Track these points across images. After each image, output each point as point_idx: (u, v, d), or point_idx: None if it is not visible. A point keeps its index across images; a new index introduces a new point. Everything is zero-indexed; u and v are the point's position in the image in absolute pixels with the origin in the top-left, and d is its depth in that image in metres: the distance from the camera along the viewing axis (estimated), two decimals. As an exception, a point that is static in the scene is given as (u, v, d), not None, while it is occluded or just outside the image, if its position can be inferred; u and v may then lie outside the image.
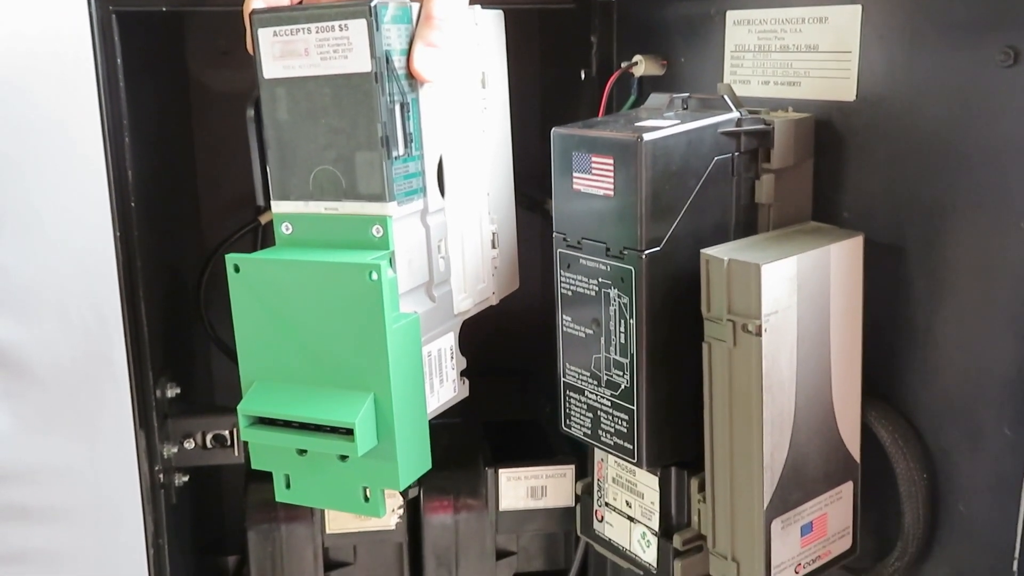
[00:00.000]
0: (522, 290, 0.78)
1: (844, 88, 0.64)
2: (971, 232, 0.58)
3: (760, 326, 0.57)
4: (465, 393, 0.72)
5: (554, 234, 0.66)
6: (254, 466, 0.66)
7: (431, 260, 0.66)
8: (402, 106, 0.61)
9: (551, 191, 0.66)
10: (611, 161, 0.61)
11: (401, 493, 0.90)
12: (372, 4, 0.59)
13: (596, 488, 0.78)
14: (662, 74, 0.77)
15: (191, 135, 1.06)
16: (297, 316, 0.62)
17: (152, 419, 0.82)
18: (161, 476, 0.84)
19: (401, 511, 0.93)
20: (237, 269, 0.63)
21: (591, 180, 0.62)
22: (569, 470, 0.92)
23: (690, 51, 0.75)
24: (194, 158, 1.07)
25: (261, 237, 0.99)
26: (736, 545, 0.63)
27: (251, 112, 0.64)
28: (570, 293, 0.66)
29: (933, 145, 0.59)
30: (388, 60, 0.60)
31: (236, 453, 0.88)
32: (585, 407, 0.68)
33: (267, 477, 0.67)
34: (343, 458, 0.63)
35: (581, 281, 0.65)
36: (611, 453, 0.67)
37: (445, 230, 0.67)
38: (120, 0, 0.73)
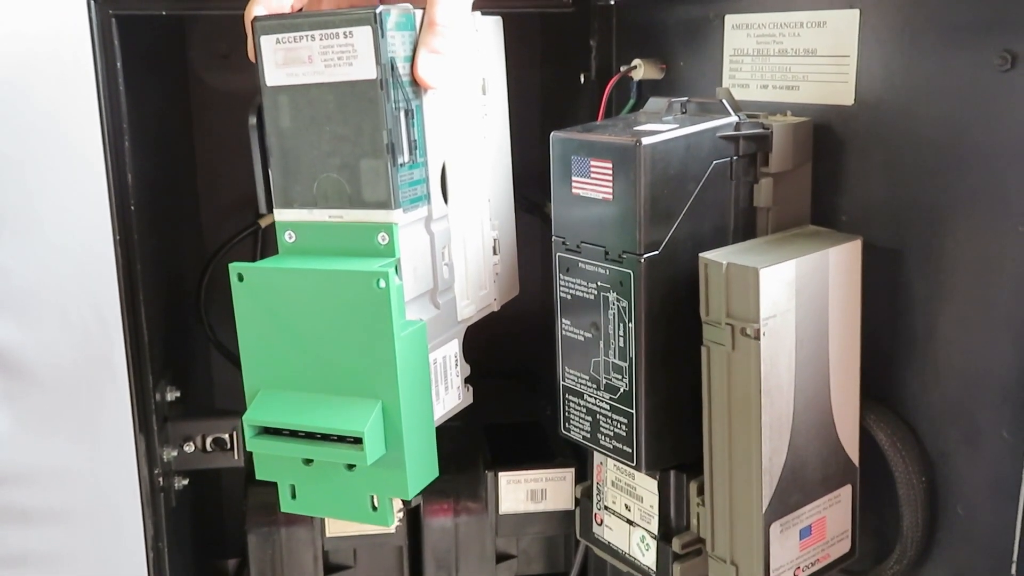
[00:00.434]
0: (522, 292, 0.78)
1: (842, 92, 0.64)
2: (969, 235, 0.58)
3: (759, 330, 0.58)
4: (469, 400, 0.72)
5: (553, 238, 0.66)
6: (259, 476, 0.66)
7: (435, 267, 0.66)
8: (407, 113, 0.61)
9: (550, 194, 0.66)
10: (610, 165, 0.61)
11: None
12: (376, 11, 0.58)
13: (595, 491, 0.78)
14: (661, 78, 0.77)
15: (191, 138, 1.06)
16: (302, 325, 0.62)
17: (152, 422, 0.82)
18: (161, 479, 0.84)
19: (401, 514, 0.93)
20: (241, 278, 0.62)
21: (590, 184, 0.62)
22: (569, 473, 0.92)
23: (689, 55, 0.75)
24: (194, 161, 1.07)
25: (261, 240, 0.99)
26: (735, 548, 0.63)
27: (253, 119, 0.64)
28: (569, 297, 0.66)
29: (931, 149, 0.59)
30: (393, 67, 0.60)
31: (236, 456, 0.88)
32: (584, 411, 0.68)
33: (269, 481, 0.67)
34: (350, 467, 0.63)
35: (580, 285, 0.65)
36: (610, 457, 0.67)
37: (449, 237, 0.67)
38: (120, 3, 0.74)
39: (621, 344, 0.63)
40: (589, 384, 0.67)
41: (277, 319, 0.62)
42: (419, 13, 0.62)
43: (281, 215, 0.64)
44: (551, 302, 0.68)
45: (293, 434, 0.63)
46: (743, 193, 0.65)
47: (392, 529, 0.93)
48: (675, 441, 0.66)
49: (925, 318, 0.61)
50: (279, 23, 0.61)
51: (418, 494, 0.65)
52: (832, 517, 0.65)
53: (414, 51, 0.61)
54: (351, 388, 0.61)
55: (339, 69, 0.60)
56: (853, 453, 0.65)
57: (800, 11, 0.66)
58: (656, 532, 0.71)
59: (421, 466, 0.64)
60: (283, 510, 0.66)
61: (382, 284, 0.59)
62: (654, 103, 0.68)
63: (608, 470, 0.76)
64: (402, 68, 0.61)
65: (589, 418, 0.68)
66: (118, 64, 0.75)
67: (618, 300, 0.63)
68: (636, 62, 0.77)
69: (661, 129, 0.61)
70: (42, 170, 0.75)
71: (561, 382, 0.69)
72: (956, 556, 0.62)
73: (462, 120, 0.69)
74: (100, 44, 0.73)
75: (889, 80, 0.61)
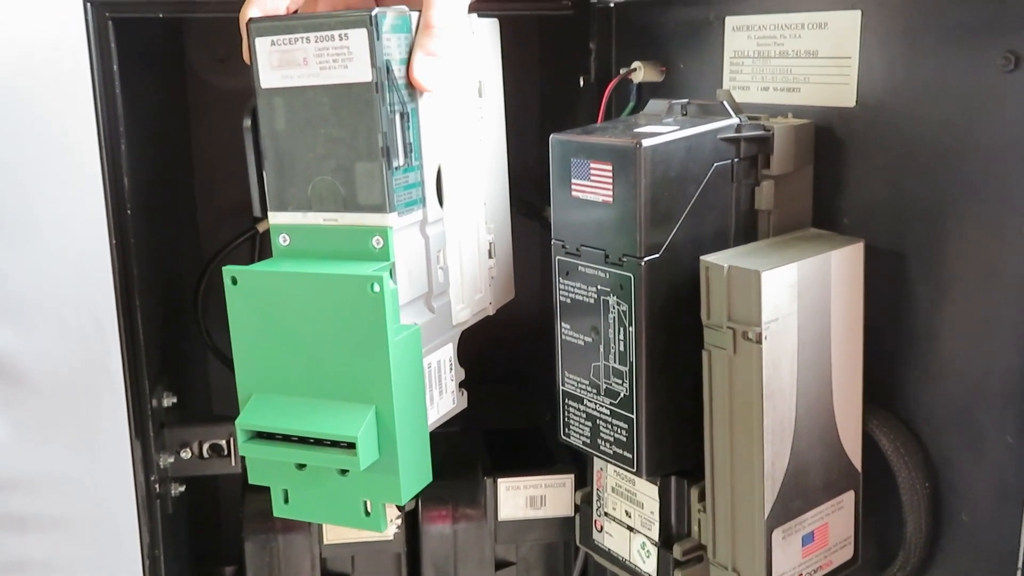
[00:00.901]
0: (521, 297, 0.78)
1: (844, 94, 0.63)
2: (972, 238, 0.58)
3: (760, 333, 0.57)
4: (464, 404, 0.72)
5: (553, 241, 0.66)
6: (252, 481, 0.65)
7: (430, 271, 0.66)
8: (402, 116, 0.61)
9: (550, 198, 0.65)
10: (610, 167, 0.60)
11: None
12: (372, 13, 0.58)
13: (596, 498, 0.77)
14: (661, 80, 0.77)
15: (188, 142, 1.06)
16: (296, 328, 0.61)
17: (148, 429, 0.82)
18: (157, 486, 0.83)
19: (399, 521, 0.92)
20: (235, 281, 0.62)
21: (590, 187, 0.62)
22: (568, 479, 0.92)
23: (689, 57, 0.75)
24: (191, 165, 1.06)
25: (259, 245, 0.99)
26: (737, 555, 0.63)
27: (248, 122, 0.64)
28: (569, 301, 0.66)
29: (933, 151, 0.59)
30: (388, 70, 0.59)
31: (233, 463, 0.87)
32: (584, 416, 0.67)
33: (265, 487, 0.66)
34: (343, 472, 0.62)
35: (580, 288, 0.65)
36: (610, 462, 0.67)
37: (444, 240, 0.67)
38: (117, 7, 0.73)
39: (621, 348, 0.63)
40: (589, 389, 0.66)
41: (271, 322, 0.62)
42: (415, 15, 0.62)
43: (275, 218, 0.64)
44: (550, 306, 0.68)
45: (286, 438, 0.63)
46: (744, 195, 0.64)
47: (390, 536, 0.92)
48: (676, 446, 0.65)
49: (928, 321, 0.61)
50: (274, 25, 0.60)
51: (412, 499, 0.64)
52: (835, 523, 0.64)
53: (410, 54, 0.61)
54: (345, 392, 0.61)
55: (334, 71, 0.60)
56: (856, 458, 0.64)
57: (801, 12, 0.65)
58: (657, 539, 0.71)
59: (415, 471, 0.64)
60: (276, 515, 0.66)
61: (376, 288, 0.59)
62: (654, 105, 0.68)
63: (608, 476, 0.75)
64: (398, 71, 0.60)
65: (589, 423, 0.67)
66: (115, 67, 0.74)
67: (618, 304, 0.62)
68: (636, 64, 0.77)
69: (661, 131, 0.61)
70: (38, 174, 0.74)
71: (561, 387, 0.69)
72: (960, 563, 0.61)
73: (458, 123, 0.68)
74: (97, 47, 0.72)
75: (891, 82, 0.61)
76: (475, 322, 0.73)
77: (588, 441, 0.68)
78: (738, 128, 0.63)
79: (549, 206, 0.66)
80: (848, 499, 0.65)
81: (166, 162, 0.97)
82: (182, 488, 0.89)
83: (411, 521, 0.94)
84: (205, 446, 0.88)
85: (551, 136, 0.64)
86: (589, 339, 0.65)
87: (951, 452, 0.61)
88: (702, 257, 0.60)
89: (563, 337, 0.67)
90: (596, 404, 0.66)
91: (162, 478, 0.85)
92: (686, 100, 0.66)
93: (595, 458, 0.72)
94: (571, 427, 0.69)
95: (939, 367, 0.61)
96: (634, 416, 0.64)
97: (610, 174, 0.60)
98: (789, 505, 0.61)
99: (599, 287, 0.63)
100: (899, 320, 0.62)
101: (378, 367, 0.60)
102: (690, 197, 0.62)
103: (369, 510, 0.64)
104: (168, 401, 0.86)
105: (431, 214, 0.65)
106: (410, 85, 0.61)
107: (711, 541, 0.64)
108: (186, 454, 0.87)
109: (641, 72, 0.77)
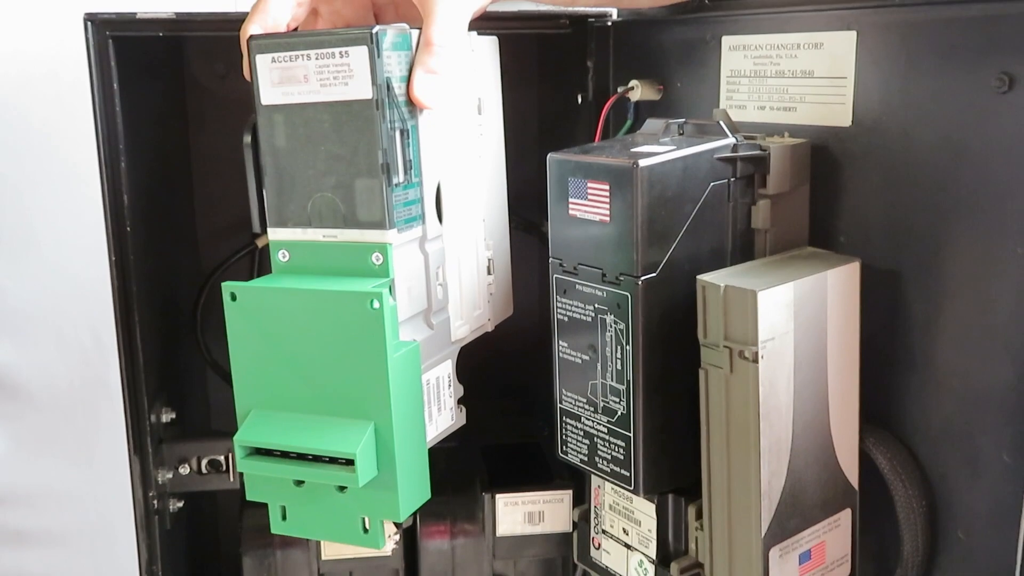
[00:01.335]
0: (520, 312, 0.78)
1: (840, 114, 0.64)
2: (968, 257, 0.58)
3: (757, 352, 0.57)
4: (462, 421, 0.72)
5: (550, 259, 0.66)
6: (249, 497, 0.65)
7: (430, 287, 0.66)
8: (402, 133, 0.61)
9: (548, 216, 0.66)
10: (607, 187, 0.61)
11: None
12: (373, 31, 0.58)
13: (593, 515, 0.77)
14: (658, 99, 0.77)
15: (188, 158, 1.06)
16: (295, 345, 0.61)
17: (147, 444, 0.82)
18: (156, 502, 0.83)
19: (397, 537, 0.92)
20: (234, 297, 0.62)
21: (587, 206, 0.62)
22: (567, 495, 0.92)
23: (686, 76, 0.75)
24: (191, 181, 1.07)
25: (258, 260, 0.99)
26: (734, 573, 0.63)
27: (248, 138, 0.64)
28: (566, 319, 0.66)
29: (929, 171, 0.59)
30: (389, 87, 0.60)
31: (231, 479, 0.87)
32: (582, 433, 0.68)
33: (263, 503, 0.66)
34: (341, 489, 0.62)
35: (577, 307, 0.65)
36: (608, 480, 0.67)
37: (443, 257, 0.67)
38: (117, 25, 0.74)
39: (619, 367, 0.63)
40: (586, 407, 0.66)
41: (270, 339, 0.62)
42: (415, 33, 0.62)
43: (275, 234, 0.64)
44: (548, 321, 0.68)
45: (284, 455, 0.63)
46: (741, 215, 0.65)
47: (388, 552, 0.92)
48: (673, 464, 0.65)
49: (924, 340, 0.61)
50: (275, 42, 0.61)
51: (410, 516, 0.64)
52: (832, 541, 0.64)
53: (410, 71, 0.61)
54: (343, 409, 0.61)
55: (335, 88, 0.60)
56: (852, 476, 0.64)
57: (797, 33, 0.66)
58: (654, 556, 0.71)
59: (413, 488, 0.64)
60: (273, 531, 0.66)
61: (376, 305, 0.59)
62: (651, 124, 0.68)
63: (606, 493, 0.75)
64: (398, 88, 0.61)
65: (587, 441, 0.67)
66: (115, 85, 0.74)
67: (615, 322, 0.62)
68: (633, 83, 0.77)
69: (658, 151, 0.61)
70: (39, 191, 0.75)
71: (558, 404, 0.69)
72: (957, 581, 0.62)
73: (457, 140, 0.69)
74: (97, 65, 0.73)
75: (886, 101, 0.61)
76: (473, 338, 0.73)
77: (586, 459, 0.68)
78: (734, 148, 0.63)
79: (546, 221, 0.66)
80: (845, 517, 0.65)
81: (165, 178, 0.97)
82: (180, 504, 0.89)
83: (409, 537, 0.94)
84: (204, 462, 0.88)
85: (549, 155, 0.65)
86: (586, 357, 0.65)
87: (948, 470, 0.61)
88: (699, 276, 0.60)
89: (560, 355, 0.67)
90: (593, 422, 0.66)
91: (160, 494, 0.85)
92: (683, 119, 0.67)
93: (593, 476, 0.72)
94: (569, 444, 0.69)
95: (935, 385, 0.61)
96: (631, 434, 0.64)
97: (607, 193, 0.61)
98: (786, 523, 0.61)
99: (596, 305, 0.64)
100: (895, 338, 0.63)
101: (377, 384, 0.60)
102: (687, 216, 0.62)
103: (367, 527, 0.64)
104: (167, 417, 0.86)
105: (430, 231, 0.65)
106: (410, 102, 0.62)
107: (708, 559, 0.64)
108: (184, 470, 0.87)
109: (638, 91, 0.77)
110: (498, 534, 0.93)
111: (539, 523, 0.92)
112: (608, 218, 0.61)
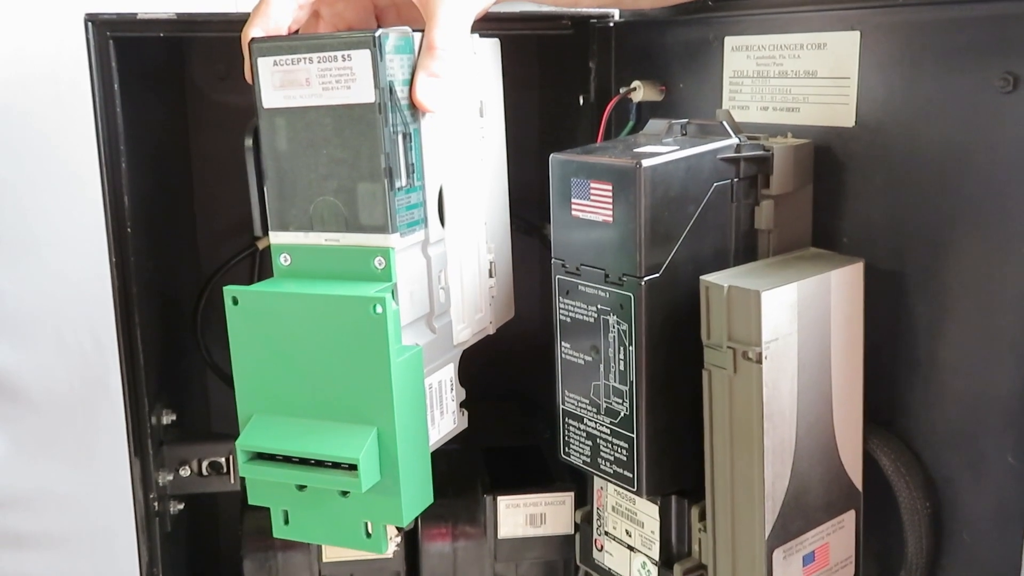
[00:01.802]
0: (521, 314, 0.78)
1: (843, 114, 0.63)
2: (972, 258, 0.58)
3: (760, 353, 0.57)
4: (464, 424, 0.71)
5: (553, 260, 0.66)
6: (251, 502, 0.65)
7: (432, 291, 0.66)
8: (405, 136, 0.61)
9: (549, 216, 0.66)
10: (610, 187, 0.60)
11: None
12: (375, 34, 0.58)
13: (596, 517, 0.77)
14: (661, 100, 0.77)
15: (188, 160, 1.06)
16: (297, 349, 0.61)
17: (147, 446, 0.82)
18: (156, 504, 0.83)
19: (398, 539, 0.92)
20: (236, 301, 0.62)
21: (590, 206, 0.62)
22: (568, 497, 0.91)
23: (689, 77, 0.75)
24: (191, 183, 1.06)
25: (259, 262, 0.99)
26: (737, 575, 0.62)
27: (249, 141, 0.64)
28: (569, 320, 0.66)
29: (933, 171, 0.59)
30: (391, 90, 0.59)
31: (232, 481, 0.87)
32: (584, 435, 0.67)
33: (264, 506, 0.66)
34: (344, 493, 0.62)
35: (580, 308, 0.65)
36: (611, 481, 0.66)
37: (445, 260, 0.67)
38: (118, 26, 0.73)
39: (621, 368, 0.63)
40: (589, 408, 0.66)
41: (272, 343, 0.62)
42: (417, 36, 0.62)
43: (276, 238, 0.64)
44: (549, 323, 0.68)
45: (287, 459, 0.62)
46: (744, 215, 0.64)
47: (390, 554, 0.92)
48: (676, 466, 0.65)
49: (928, 341, 0.61)
50: (277, 45, 0.60)
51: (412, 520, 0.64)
52: (835, 543, 0.64)
53: (412, 74, 0.61)
54: (346, 413, 0.61)
55: (337, 92, 0.60)
56: (856, 478, 0.64)
57: (800, 33, 0.66)
58: (657, 558, 0.71)
59: (416, 493, 0.63)
60: (276, 535, 0.65)
61: (379, 309, 0.58)
62: (654, 125, 0.68)
63: (608, 495, 0.75)
64: (400, 91, 0.60)
65: (589, 442, 0.67)
66: (115, 86, 0.74)
67: (618, 323, 0.62)
68: (635, 84, 0.77)
69: (661, 151, 0.61)
70: (39, 193, 0.75)
71: (561, 406, 0.69)
72: (961, 583, 0.61)
73: (460, 143, 0.68)
74: (98, 66, 0.73)
75: (890, 102, 0.61)
76: (475, 342, 0.73)
77: (588, 460, 0.68)
78: (738, 148, 0.63)
79: (548, 224, 0.66)
80: (849, 519, 0.65)
81: (166, 180, 0.97)
82: (181, 506, 0.89)
83: (410, 539, 0.94)
84: (204, 464, 0.87)
85: (551, 156, 0.64)
86: (589, 358, 0.65)
87: (952, 472, 0.61)
88: (702, 277, 0.60)
89: (563, 356, 0.67)
90: (596, 423, 0.66)
91: (161, 496, 0.85)
92: (686, 120, 0.67)
93: (595, 477, 0.72)
94: (571, 446, 0.69)
95: (939, 387, 0.61)
96: (634, 435, 0.63)
97: (610, 194, 0.60)
98: (790, 525, 0.61)
99: (599, 306, 0.63)
100: (899, 339, 0.62)
101: (380, 388, 0.60)
102: (690, 217, 0.62)
103: (370, 531, 0.63)
104: (167, 419, 0.86)
105: (433, 234, 0.65)
106: (413, 106, 0.61)
107: (712, 561, 0.64)
108: (185, 472, 0.87)
109: (640, 91, 0.77)
110: (499, 536, 0.92)
111: (540, 525, 0.92)
112: (611, 219, 0.61)
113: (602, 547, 0.77)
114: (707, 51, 0.73)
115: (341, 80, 0.59)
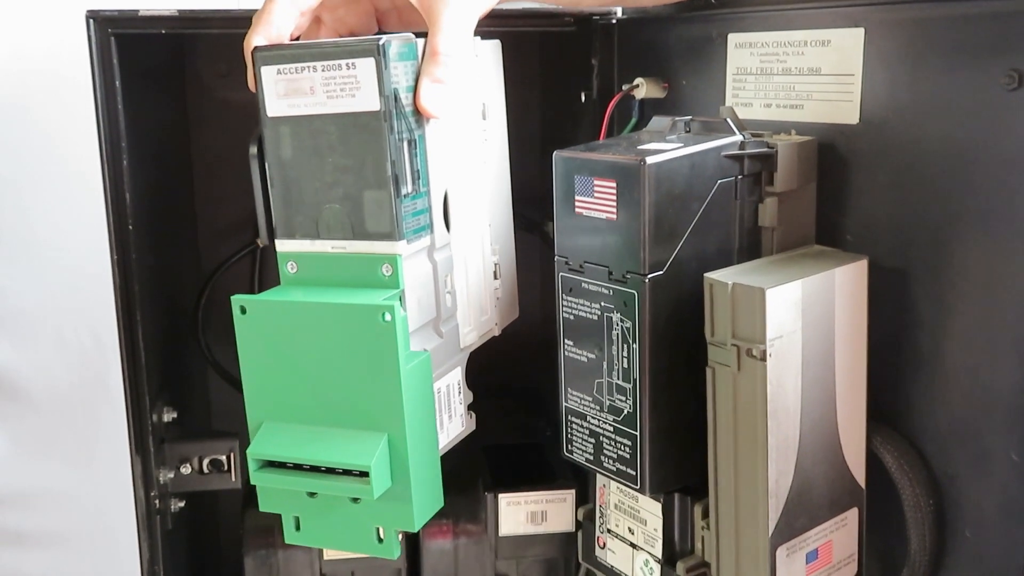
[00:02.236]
0: (522, 311, 0.78)
1: (847, 111, 0.63)
2: (976, 255, 0.58)
3: (765, 351, 0.57)
4: (472, 427, 0.71)
5: (556, 258, 0.66)
6: (262, 508, 0.65)
7: (439, 296, 0.65)
8: (410, 143, 0.61)
9: (551, 213, 0.65)
10: (614, 184, 0.60)
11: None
12: (380, 42, 0.58)
13: (598, 514, 0.77)
14: (664, 97, 0.77)
15: (189, 157, 1.06)
16: (306, 357, 0.61)
17: (148, 444, 0.81)
18: (157, 502, 0.83)
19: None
20: (243, 310, 0.61)
21: (593, 203, 0.62)
22: (569, 495, 0.91)
23: (692, 74, 0.75)
24: (192, 180, 1.06)
25: (259, 260, 0.99)
26: (741, 573, 0.62)
27: (254, 149, 0.63)
28: (572, 317, 0.66)
29: (937, 168, 0.59)
30: (396, 98, 0.59)
31: (233, 478, 0.87)
32: (587, 432, 0.67)
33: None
34: (355, 500, 0.62)
35: (583, 305, 0.65)
36: (613, 479, 0.66)
37: (451, 265, 0.67)
38: (120, 23, 0.73)
39: (625, 365, 0.63)
40: (592, 406, 0.66)
41: (280, 351, 0.61)
42: (420, 42, 0.62)
43: (283, 246, 0.64)
44: (551, 322, 0.68)
45: (298, 467, 0.62)
46: (748, 212, 0.64)
47: (392, 552, 0.92)
48: (680, 463, 0.65)
49: (932, 338, 0.61)
50: (280, 54, 0.60)
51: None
52: (839, 540, 0.64)
53: (416, 81, 0.61)
54: (356, 421, 0.60)
55: (341, 100, 0.59)
56: (860, 475, 0.64)
57: (804, 30, 0.66)
58: (660, 556, 0.71)
59: (427, 498, 0.63)
60: (287, 542, 0.65)
61: (388, 317, 0.58)
62: (658, 122, 0.68)
63: (611, 493, 0.75)
64: (405, 98, 0.60)
65: (592, 440, 0.67)
66: (117, 83, 0.74)
67: (622, 320, 0.62)
68: (638, 81, 0.77)
69: (665, 148, 0.61)
70: (40, 190, 0.74)
71: (564, 403, 0.68)
72: (965, 580, 0.61)
73: (463, 147, 0.68)
74: (99, 63, 0.72)
75: (894, 99, 0.61)
76: (481, 344, 0.72)
77: (591, 458, 0.68)
78: (742, 145, 0.63)
79: (550, 221, 0.66)
80: (852, 516, 0.65)
81: (167, 177, 0.97)
82: (182, 504, 0.89)
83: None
84: (205, 461, 0.87)
85: (555, 153, 0.64)
86: (592, 356, 0.65)
87: (955, 469, 0.61)
88: (706, 274, 0.60)
89: (566, 354, 0.67)
90: (599, 421, 0.66)
91: (162, 494, 0.85)
92: (689, 117, 0.67)
93: (598, 475, 0.72)
94: (574, 443, 0.69)
95: (943, 384, 0.61)
96: (637, 433, 0.63)
97: (614, 191, 0.60)
98: (793, 522, 0.61)
99: (603, 304, 0.63)
100: (903, 337, 0.62)
101: (390, 395, 0.59)
102: (694, 214, 0.62)
103: (382, 536, 0.63)
104: (168, 416, 0.86)
105: (438, 239, 0.65)
106: (417, 112, 0.61)
107: (715, 559, 0.64)
108: (186, 469, 0.87)
109: (643, 88, 0.77)
110: (501, 534, 0.92)
111: (542, 523, 0.92)
112: (615, 216, 0.61)
113: (604, 545, 0.77)
114: (710, 48, 0.73)
115: (345, 88, 0.59)
